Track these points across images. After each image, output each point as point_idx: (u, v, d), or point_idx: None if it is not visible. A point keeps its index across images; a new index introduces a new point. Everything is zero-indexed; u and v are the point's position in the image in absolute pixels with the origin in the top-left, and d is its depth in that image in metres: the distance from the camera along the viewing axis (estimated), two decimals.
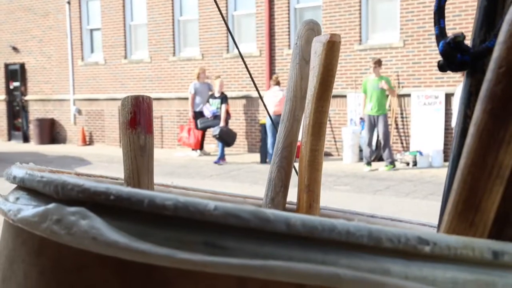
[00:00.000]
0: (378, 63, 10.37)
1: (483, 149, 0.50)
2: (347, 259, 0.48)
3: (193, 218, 0.49)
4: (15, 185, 0.63)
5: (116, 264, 0.51)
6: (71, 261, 0.54)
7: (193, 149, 12.97)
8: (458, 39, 0.58)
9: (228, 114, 12.12)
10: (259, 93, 1.26)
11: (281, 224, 0.48)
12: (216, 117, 12.00)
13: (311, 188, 0.92)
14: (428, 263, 0.48)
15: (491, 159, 0.50)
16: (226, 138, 11.74)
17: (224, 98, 12.11)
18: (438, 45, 0.60)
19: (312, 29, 1.00)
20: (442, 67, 0.59)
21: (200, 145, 12.86)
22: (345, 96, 12.26)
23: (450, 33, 0.62)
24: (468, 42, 0.61)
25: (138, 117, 0.85)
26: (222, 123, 11.81)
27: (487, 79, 0.50)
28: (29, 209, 0.55)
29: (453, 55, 0.58)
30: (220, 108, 12.03)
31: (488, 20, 0.60)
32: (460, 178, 0.51)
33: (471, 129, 0.51)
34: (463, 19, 10.56)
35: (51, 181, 0.54)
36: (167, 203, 0.49)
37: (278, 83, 11.70)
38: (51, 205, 0.52)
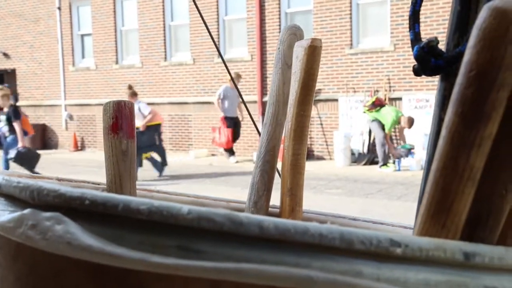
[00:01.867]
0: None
1: (455, 151, 0.51)
2: (319, 261, 0.48)
3: (167, 222, 0.49)
4: None
5: (91, 268, 0.51)
6: (47, 266, 0.54)
7: (225, 149, 12.74)
8: (432, 44, 0.59)
9: (26, 131, 9.54)
10: (242, 99, 1.27)
11: (254, 227, 0.48)
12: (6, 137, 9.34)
13: (293, 192, 0.93)
14: (400, 264, 0.49)
15: (463, 162, 0.51)
16: (26, 162, 9.34)
17: (14, 112, 9.15)
18: (412, 50, 0.60)
19: (294, 33, 1.00)
20: (417, 72, 0.60)
21: (231, 146, 12.61)
22: (336, 100, 12.30)
23: (428, 35, 0.63)
24: (442, 46, 0.62)
25: (120, 122, 0.86)
26: (20, 144, 9.18)
27: (458, 82, 0.51)
28: (5, 214, 0.55)
29: (427, 59, 0.59)
30: (9, 125, 9.23)
31: (462, 25, 0.61)
32: (432, 180, 0.52)
33: (443, 132, 0.52)
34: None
35: (27, 186, 0.55)
36: (141, 208, 0.50)
37: None
38: (26, 211, 0.52)
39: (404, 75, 11.55)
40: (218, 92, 12.32)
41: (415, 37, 0.61)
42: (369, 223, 0.92)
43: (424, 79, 11.20)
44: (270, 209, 0.96)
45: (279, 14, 13.11)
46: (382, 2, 12.01)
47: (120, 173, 0.85)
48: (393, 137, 11.58)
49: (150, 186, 1.00)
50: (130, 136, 0.87)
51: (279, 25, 13.09)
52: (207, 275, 0.47)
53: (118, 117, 0.86)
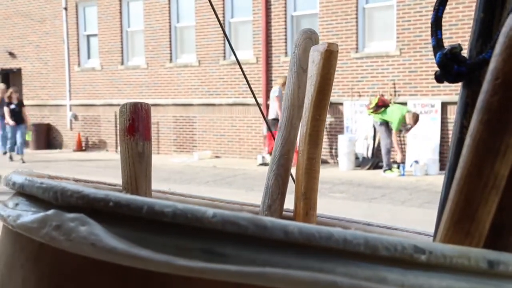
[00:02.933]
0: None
1: (479, 159, 0.51)
2: (344, 267, 0.48)
3: (191, 225, 0.49)
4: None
5: (114, 270, 0.51)
6: (70, 267, 0.54)
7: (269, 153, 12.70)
8: (455, 50, 0.59)
9: None
10: (255, 98, 1.27)
11: (279, 232, 0.48)
12: None
13: (307, 196, 0.93)
14: (424, 271, 0.49)
15: (487, 170, 0.51)
16: None
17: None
18: (435, 56, 0.60)
19: (310, 38, 1.00)
20: (439, 78, 0.60)
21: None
22: (341, 104, 12.29)
23: (445, 42, 0.63)
24: (465, 53, 0.62)
25: (136, 124, 0.86)
26: None
27: (483, 90, 0.51)
28: (28, 215, 0.55)
29: (450, 66, 0.59)
30: None
31: (485, 32, 0.61)
32: (456, 188, 0.52)
33: (467, 140, 0.51)
34: (459, 28, 10.61)
35: (51, 187, 0.55)
36: (165, 210, 0.50)
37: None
38: (50, 211, 0.52)
39: (410, 79, 11.54)
40: (276, 93, 11.89)
41: (438, 43, 0.61)
42: (383, 228, 0.92)
43: (429, 84, 11.19)
44: (284, 212, 0.96)
45: (285, 17, 13.12)
46: (389, 7, 12.01)
47: (136, 175, 0.86)
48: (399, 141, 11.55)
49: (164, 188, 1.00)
50: (146, 138, 0.87)
51: (285, 28, 13.10)
52: (231, 279, 0.47)
53: (135, 119, 0.86)
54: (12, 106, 13.62)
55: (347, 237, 0.48)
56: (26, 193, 0.59)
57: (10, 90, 13.89)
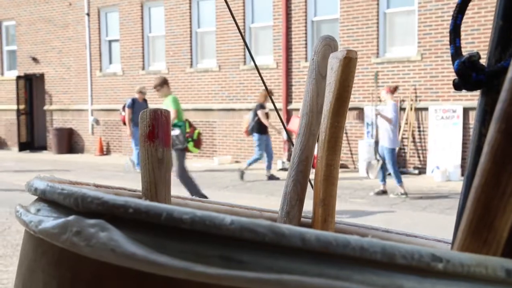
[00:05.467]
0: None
1: (497, 168, 0.51)
2: (360, 274, 0.48)
3: (209, 232, 0.50)
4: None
5: (133, 276, 0.52)
6: (90, 272, 0.55)
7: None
8: (473, 58, 0.59)
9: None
10: (274, 106, 1.27)
11: (296, 239, 0.49)
12: None
13: (326, 202, 0.93)
14: (441, 280, 0.49)
15: (505, 178, 0.50)
16: None
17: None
18: (453, 64, 0.60)
19: (329, 44, 1.01)
20: (457, 86, 0.60)
21: None
22: (362, 109, 12.25)
23: (467, 47, 0.63)
24: (483, 61, 0.62)
25: (156, 131, 0.87)
26: None
27: (501, 99, 0.50)
28: (49, 220, 0.56)
29: (468, 74, 0.59)
30: None
31: (504, 40, 0.60)
32: (474, 196, 0.52)
33: (485, 148, 0.51)
34: (481, 33, 10.52)
35: (71, 193, 0.56)
36: (184, 217, 0.50)
37: None
38: (71, 217, 0.53)
39: (431, 85, 11.46)
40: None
41: (456, 51, 0.61)
42: (402, 235, 0.92)
43: (451, 89, 11.10)
44: (302, 219, 0.96)
45: (305, 23, 13.12)
46: (410, 12, 11.95)
47: (156, 181, 0.86)
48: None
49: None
50: (166, 144, 0.88)
51: (305, 33, 13.09)
52: (249, 286, 0.47)
53: (155, 125, 0.87)
54: None
55: (364, 245, 0.48)
56: (48, 199, 0.60)
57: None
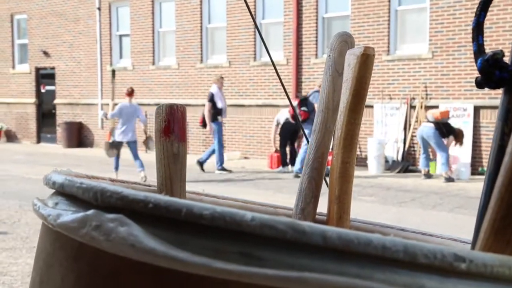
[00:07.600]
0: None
1: None
2: (382, 273, 0.48)
3: (229, 228, 0.49)
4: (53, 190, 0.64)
5: (152, 271, 0.52)
6: (108, 267, 0.55)
7: None
8: (497, 56, 0.58)
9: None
10: (289, 99, 1.27)
11: (317, 237, 0.48)
12: None
13: (341, 200, 0.92)
14: (464, 280, 0.48)
15: None
16: None
17: None
18: (476, 62, 0.60)
19: (346, 41, 1.00)
20: (480, 84, 0.59)
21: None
22: (372, 107, 12.21)
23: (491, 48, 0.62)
24: (506, 59, 0.61)
25: (172, 125, 0.86)
26: None
27: None
28: (68, 214, 0.56)
29: (491, 72, 0.58)
30: None
31: None
32: (497, 196, 0.51)
33: (510, 147, 0.51)
34: (494, 31, 10.45)
35: (90, 187, 0.56)
36: (204, 213, 0.50)
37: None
38: (90, 211, 0.53)
39: (442, 83, 11.41)
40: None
41: (479, 49, 0.60)
42: (418, 234, 0.91)
43: (461, 87, 11.04)
44: (317, 216, 0.96)
45: (316, 19, 13.08)
46: (421, 9, 11.89)
47: (171, 176, 0.86)
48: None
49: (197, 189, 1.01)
50: (181, 139, 0.87)
51: (316, 30, 13.06)
52: (269, 283, 0.47)
53: (170, 120, 0.86)
54: None
55: (386, 244, 0.48)
56: (66, 193, 0.60)
57: None
